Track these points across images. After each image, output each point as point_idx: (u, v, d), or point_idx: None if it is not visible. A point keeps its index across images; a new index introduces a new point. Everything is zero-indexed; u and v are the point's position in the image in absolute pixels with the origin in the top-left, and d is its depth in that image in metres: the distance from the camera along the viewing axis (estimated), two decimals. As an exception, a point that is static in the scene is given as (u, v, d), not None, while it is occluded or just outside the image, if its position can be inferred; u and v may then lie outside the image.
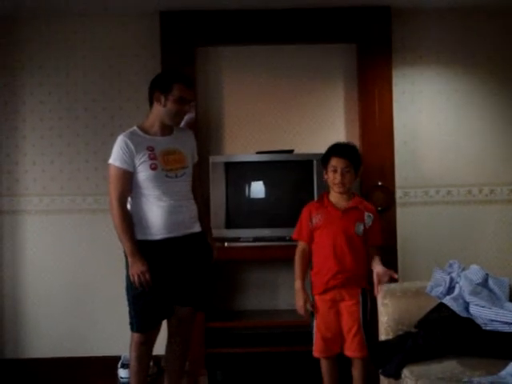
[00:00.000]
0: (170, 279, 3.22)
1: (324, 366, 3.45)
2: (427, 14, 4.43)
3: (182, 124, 3.43)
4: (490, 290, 2.94)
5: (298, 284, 3.44)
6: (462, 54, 4.45)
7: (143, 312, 3.20)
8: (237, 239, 4.11)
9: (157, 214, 3.18)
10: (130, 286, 3.19)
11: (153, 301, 3.19)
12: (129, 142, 3.16)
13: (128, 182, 3.17)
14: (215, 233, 4.08)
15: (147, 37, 4.37)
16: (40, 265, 4.41)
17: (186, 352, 3.45)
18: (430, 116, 4.48)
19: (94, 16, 4.38)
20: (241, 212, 4.16)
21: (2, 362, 4.37)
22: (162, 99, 3.20)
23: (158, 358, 4.13)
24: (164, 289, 3.20)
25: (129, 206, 3.21)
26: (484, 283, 2.97)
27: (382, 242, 3.50)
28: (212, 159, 4.12)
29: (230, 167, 4.13)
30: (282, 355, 4.16)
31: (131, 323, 3.23)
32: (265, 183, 4.22)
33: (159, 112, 3.23)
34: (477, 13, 4.43)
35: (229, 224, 4.10)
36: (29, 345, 4.41)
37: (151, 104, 3.27)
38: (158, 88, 3.22)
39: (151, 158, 3.18)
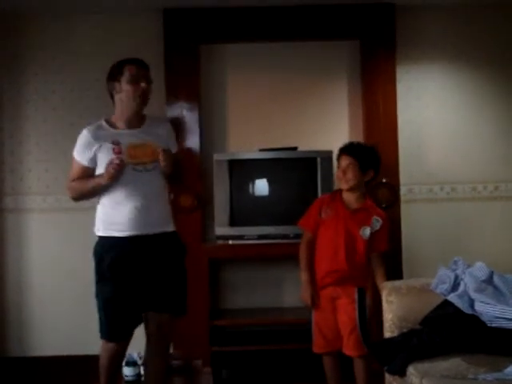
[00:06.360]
0: (142, 282, 3.05)
1: (326, 362, 3.47)
2: (431, 10, 4.41)
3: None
4: (495, 287, 2.93)
5: (304, 276, 3.46)
6: (467, 50, 4.43)
7: (113, 318, 3.04)
8: (241, 237, 4.11)
9: (124, 212, 3.04)
10: (100, 291, 3.05)
11: (123, 305, 3.03)
12: (88, 136, 3.10)
13: (81, 175, 3.10)
14: (219, 231, 4.09)
15: (151, 34, 4.35)
16: (44, 263, 4.41)
17: (167, 359, 3.30)
18: (434, 112, 4.46)
19: (97, 13, 4.37)
20: (245, 210, 4.16)
21: (7, 360, 4.37)
22: (117, 86, 3.11)
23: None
24: (134, 292, 3.03)
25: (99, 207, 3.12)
26: (489, 280, 2.96)
27: (387, 249, 3.49)
28: (216, 157, 4.12)
29: (234, 165, 4.12)
30: (287, 353, 4.16)
31: (101, 331, 3.07)
32: (269, 181, 4.22)
33: (121, 101, 3.13)
34: (481, 8, 4.41)
35: (233, 222, 4.10)
36: (33, 343, 4.41)
37: (112, 98, 3.18)
38: (110, 78, 3.13)
39: (116, 153, 3.06)
